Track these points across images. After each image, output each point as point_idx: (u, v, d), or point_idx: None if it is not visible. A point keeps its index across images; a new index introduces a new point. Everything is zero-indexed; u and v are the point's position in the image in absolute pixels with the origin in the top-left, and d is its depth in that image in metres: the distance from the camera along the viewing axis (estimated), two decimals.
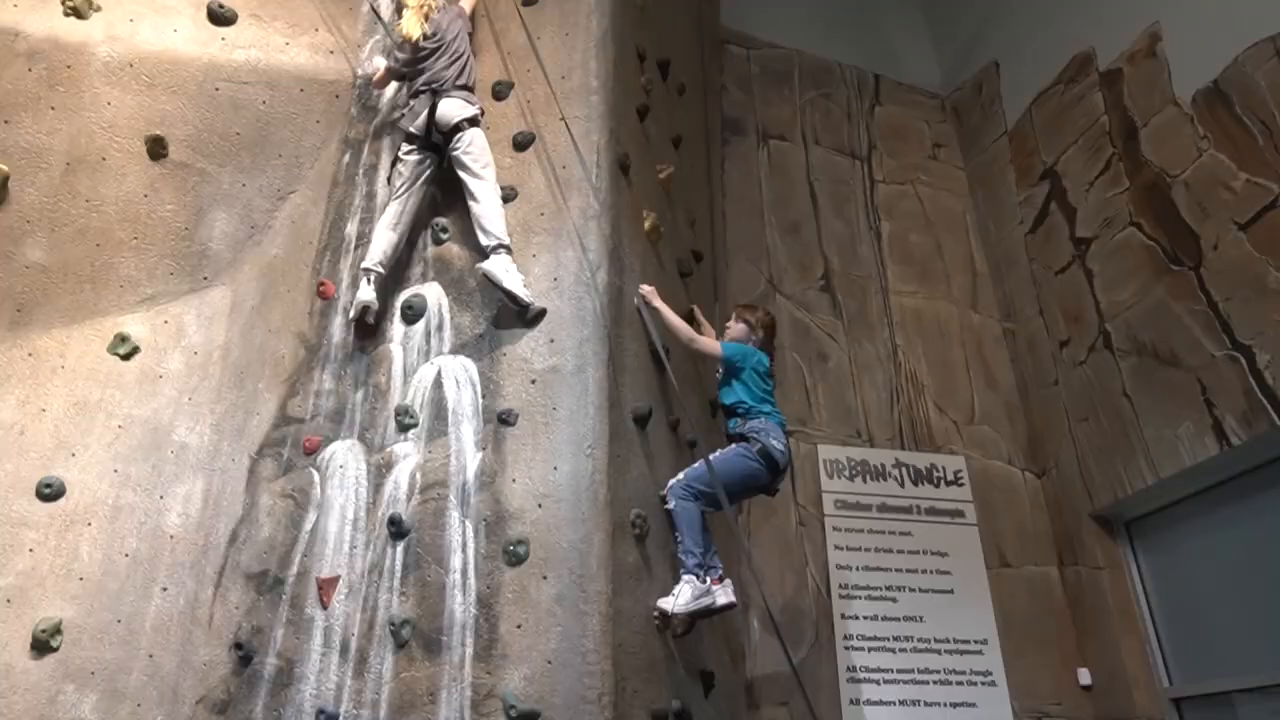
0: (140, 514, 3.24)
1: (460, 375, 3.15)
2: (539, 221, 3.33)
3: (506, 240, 3.20)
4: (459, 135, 3.42)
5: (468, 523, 2.90)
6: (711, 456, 3.12)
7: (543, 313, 3.16)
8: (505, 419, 3.02)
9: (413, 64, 3.66)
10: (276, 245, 3.84)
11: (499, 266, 3.12)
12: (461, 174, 3.38)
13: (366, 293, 3.36)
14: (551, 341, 3.10)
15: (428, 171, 3.52)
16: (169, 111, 3.86)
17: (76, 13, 3.87)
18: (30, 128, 3.65)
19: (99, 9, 3.91)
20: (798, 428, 4.96)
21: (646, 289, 3.35)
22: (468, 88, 3.57)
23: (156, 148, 3.79)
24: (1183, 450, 4.40)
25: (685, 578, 2.95)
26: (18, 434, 3.25)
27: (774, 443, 3.15)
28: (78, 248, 3.61)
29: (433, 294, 3.36)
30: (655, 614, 2.93)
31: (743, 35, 6.31)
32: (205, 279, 3.76)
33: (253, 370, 3.56)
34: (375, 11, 4.25)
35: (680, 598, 2.90)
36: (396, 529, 2.94)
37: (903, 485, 5.03)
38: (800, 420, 4.99)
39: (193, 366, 3.56)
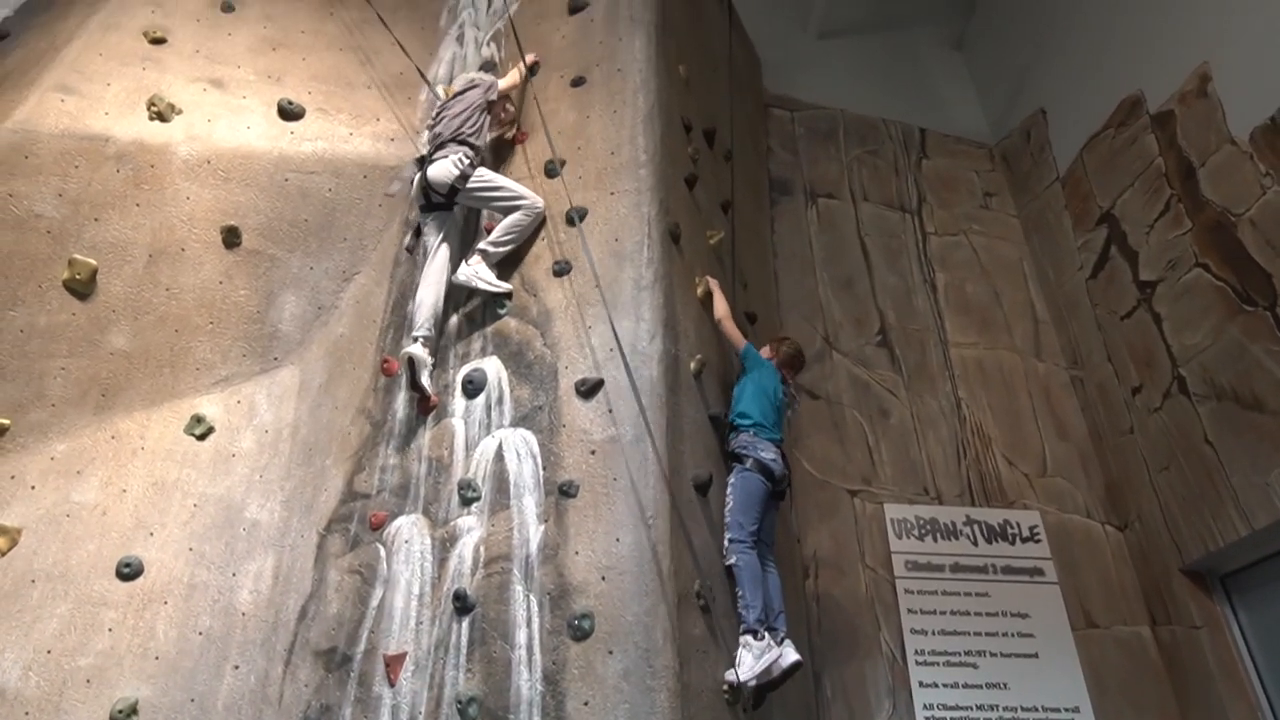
0: (214, 591, 3.34)
1: (521, 448, 3.20)
2: (593, 294, 3.42)
3: (488, 248, 3.61)
4: (460, 194, 3.75)
5: (532, 597, 2.91)
6: (727, 502, 3.23)
7: (600, 383, 3.21)
8: (566, 490, 3.04)
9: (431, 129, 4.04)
10: (342, 325, 4.02)
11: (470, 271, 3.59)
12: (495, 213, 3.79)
13: (415, 347, 3.56)
14: (610, 411, 3.14)
15: (444, 229, 3.83)
16: (242, 202, 4.13)
17: (160, 117, 4.21)
18: (118, 224, 3.93)
19: (180, 112, 4.25)
20: (862, 487, 4.85)
21: (712, 281, 3.74)
22: (465, 142, 3.82)
23: (231, 237, 4.05)
24: (1276, 498, 4.15)
25: (743, 638, 2.92)
26: (100, 515, 3.41)
27: (763, 455, 3.30)
28: (158, 334, 3.83)
29: (492, 368, 3.45)
30: (725, 687, 2.86)
31: (785, 98, 6.48)
32: (275, 359, 3.94)
33: (320, 447, 3.69)
34: (430, 86, 4.55)
35: (744, 664, 2.87)
36: (461, 604, 2.96)
37: (976, 544, 4.84)
38: (865, 479, 4.88)
39: (264, 445, 3.70)
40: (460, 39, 4.99)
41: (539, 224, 3.69)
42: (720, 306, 3.68)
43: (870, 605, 4.48)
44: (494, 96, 4.05)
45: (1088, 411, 5.49)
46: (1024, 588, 4.73)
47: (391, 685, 2.93)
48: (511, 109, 4.28)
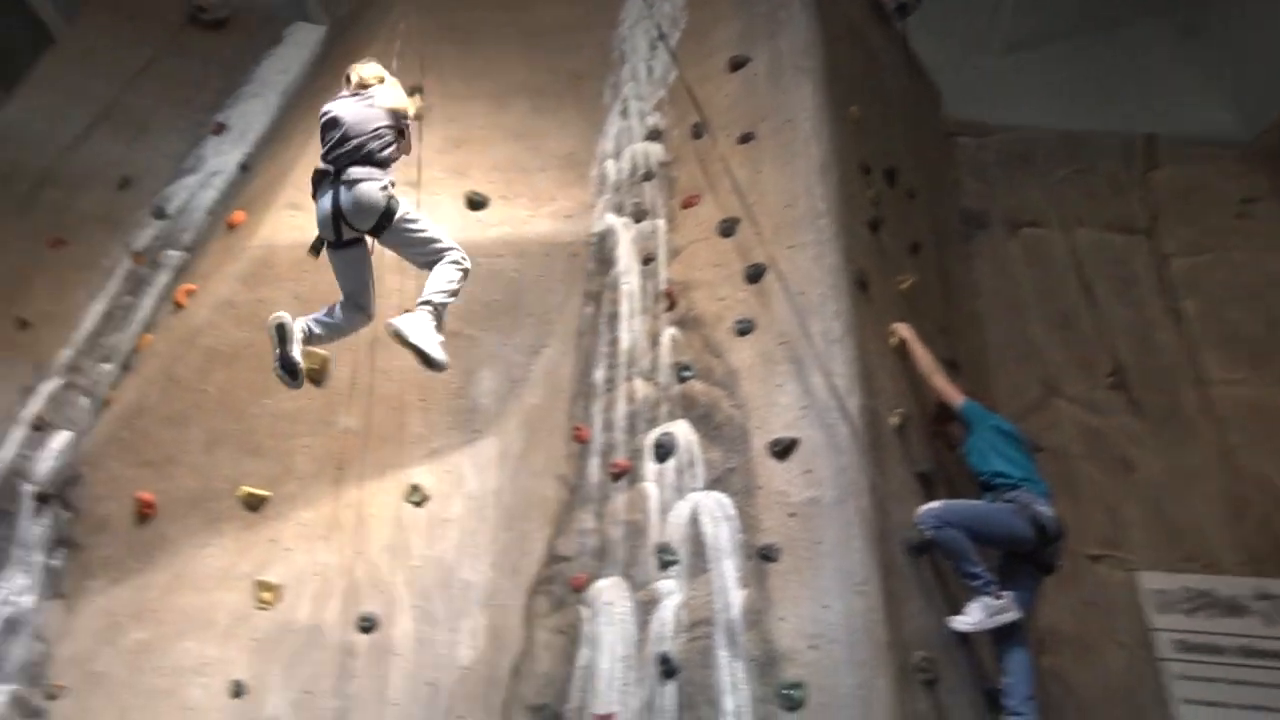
0: (438, 646, 3.92)
1: (716, 511, 3.48)
2: (780, 351, 3.68)
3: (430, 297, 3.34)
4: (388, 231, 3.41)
5: (737, 663, 3.12)
6: (977, 503, 3.30)
7: (794, 442, 3.41)
8: (767, 554, 3.26)
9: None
10: (535, 395, 4.59)
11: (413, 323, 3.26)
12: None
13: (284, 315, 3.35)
14: (808, 472, 3.33)
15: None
16: None
17: None
18: None
19: None
20: (1106, 551, 4.58)
21: (900, 326, 3.79)
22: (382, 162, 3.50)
23: None
24: None
25: (979, 600, 3.12)
26: (341, 575, 4.15)
27: (1042, 510, 3.29)
28: (378, 412, 4.61)
29: (681, 431, 3.80)
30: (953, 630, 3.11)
31: (971, 124, 6.48)
32: (477, 430, 4.58)
33: (521, 512, 4.22)
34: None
35: (972, 615, 3.06)
36: (666, 667, 3.25)
37: (1272, 623, 4.36)
38: (1107, 542, 4.60)
39: (471, 510, 4.31)
40: (624, 112, 5.58)
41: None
42: (925, 360, 3.76)
43: (1128, 692, 4.16)
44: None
45: None
46: None
47: None
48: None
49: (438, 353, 3.30)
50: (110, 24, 7.17)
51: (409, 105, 3.73)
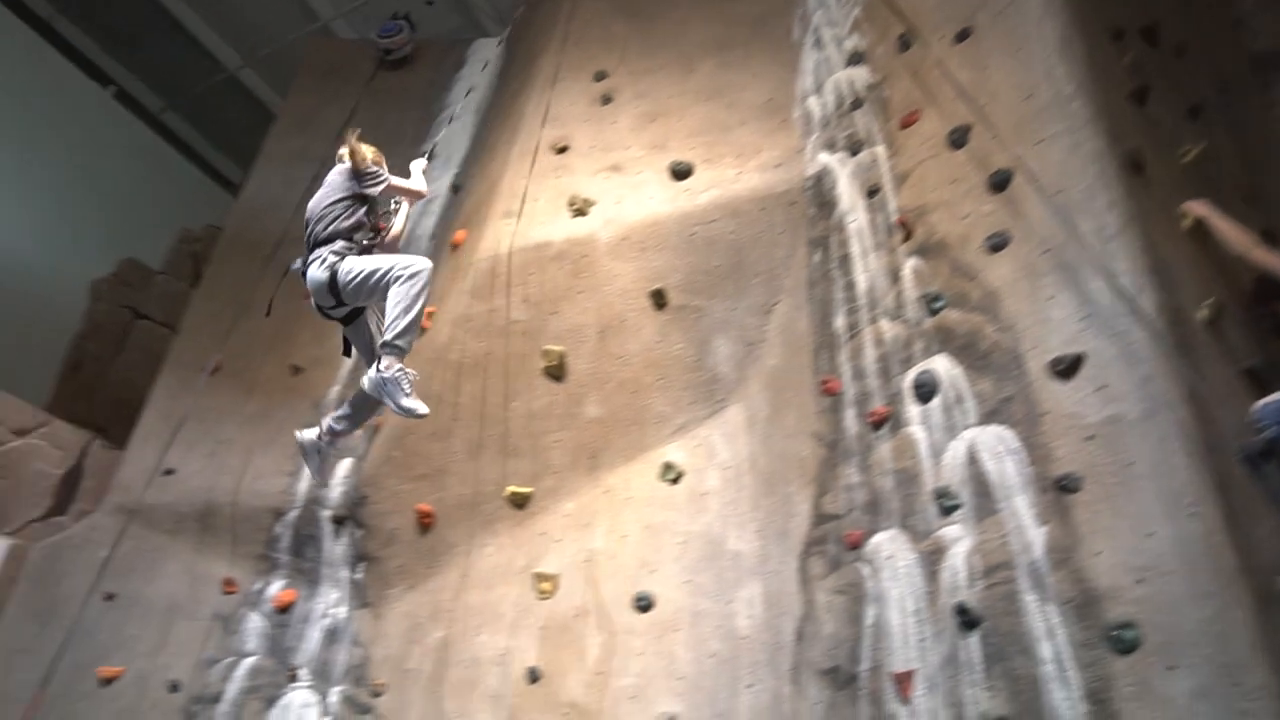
0: (715, 618, 4.03)
1: (996, 446, 3.28)
2: (1044, 261, 3.38)
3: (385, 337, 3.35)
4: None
5: (1049, 606, 2.92)
6: None
7: (1079, 359, 3.13)
8: (1066, 485, 3.03)
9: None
10: (774, 356, 4.58)
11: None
12: None
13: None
14: (1102, 388, 3.05)
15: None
16: (660, 266, 5.01)
17: (580, 212, 5.35)
18: (569, 312, 5.08)
19: (595, 203, 5.34)
20: None
21: (1193, 204, 3.40)
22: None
23: (659, 299, 4.94)
24: None
25: None
26: (610, 558, 4.41)
27: None
28: (620, 398, 4.83)
29: (942, 366, 3.62)
30: None
31: None
32: (720, 400, 4.66)
33: (780, 475, 4.22)
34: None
35: None
36: (965, 618, 3.12)
37: None
38: None
39: (728, 481, 4.39)
40: (818, 43, 5.37)
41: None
42: (1234, 235, 3.29)
43: None
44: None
45: None
46: None
47: (905, 703, 3.18)
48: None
49: (408, 403, 3.32)
50: (315, 88, 8.11)
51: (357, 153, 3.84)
